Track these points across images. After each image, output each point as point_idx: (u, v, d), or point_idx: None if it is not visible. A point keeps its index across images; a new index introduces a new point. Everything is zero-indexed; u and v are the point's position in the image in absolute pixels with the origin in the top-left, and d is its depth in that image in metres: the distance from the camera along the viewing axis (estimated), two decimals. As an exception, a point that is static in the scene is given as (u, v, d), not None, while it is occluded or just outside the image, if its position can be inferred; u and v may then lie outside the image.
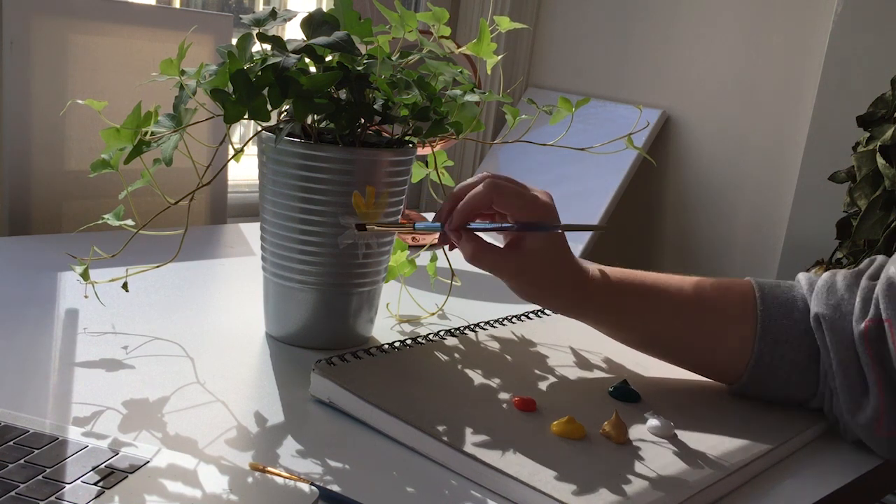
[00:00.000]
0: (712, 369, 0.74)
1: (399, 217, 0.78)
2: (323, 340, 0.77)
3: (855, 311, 0.67)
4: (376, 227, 0.72)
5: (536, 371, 0.74)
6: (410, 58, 0.79)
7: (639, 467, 0.59)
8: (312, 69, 0.72)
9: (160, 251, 0.79)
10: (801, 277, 0.73)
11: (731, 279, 0.74)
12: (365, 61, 0.74)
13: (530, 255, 0.70)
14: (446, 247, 0.72)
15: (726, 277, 0.75)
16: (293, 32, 0.87)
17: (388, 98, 0.74)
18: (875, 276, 0.70)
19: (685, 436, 0.65)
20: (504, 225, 0.70)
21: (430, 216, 1.30)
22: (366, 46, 0.76)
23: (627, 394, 0.70)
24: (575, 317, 0.75)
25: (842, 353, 0.67)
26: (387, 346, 0.73)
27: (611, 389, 0.71)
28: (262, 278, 0.79)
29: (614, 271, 0.74)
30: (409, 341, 0.75)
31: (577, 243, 1.75)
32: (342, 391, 0.65)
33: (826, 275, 0.72)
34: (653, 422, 0.65)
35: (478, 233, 0.70)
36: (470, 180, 0.71)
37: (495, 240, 0.73)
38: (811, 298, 0.70)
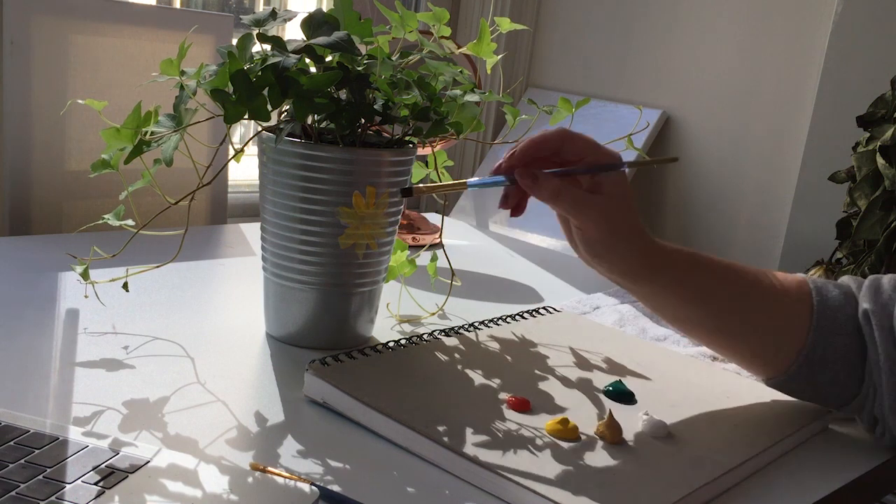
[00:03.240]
0: (762, 359, 0.72)
1: (399, 217, 0.78)
2: (323, 340, 0.77)
3: None
4: (425, 188, 0.67)
5: (534, 371, 0.74)
6: (411, 58, 0.79)
7: (633, 467, 0.59)
8: (312, 69, 0.72)
9: (160, 251, 0.79)
10: (847, 278, 0.73)
11: (787, 273, 0.73)
12: (365, 61, 0.74)
13: (610, 199, 0.67)
14: (505, 213, 0.68)
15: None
16: (293, 32, 0.87)
17: (388, 98, 0.74)
18: None
19: (680, 435, 0.65)
20: (575, 168, 0.67)
21: (430, 216, 1.30)
22: (366, 46, 0.76)
23: (622, 394, 0.71)
24: (637, 284, 0.70)
25: (890, 349, 0.67)
26: (381, 346, 0.73)
27: (605, 389, 0.71)
28: (263, 278, 0.79)
29: (677, 247, 0.71)
30: (403, 341, 0.75)
31: (577, 243, 1.75)
32: (336, 391, 0.65)
33: (871, 277, 0.71)
34: (647, 421, 0.65)
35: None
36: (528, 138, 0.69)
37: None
38: (860, 295, 0.70)
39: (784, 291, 0.71)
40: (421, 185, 0.67)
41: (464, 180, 0.68)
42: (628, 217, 0.68)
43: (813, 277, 0.73)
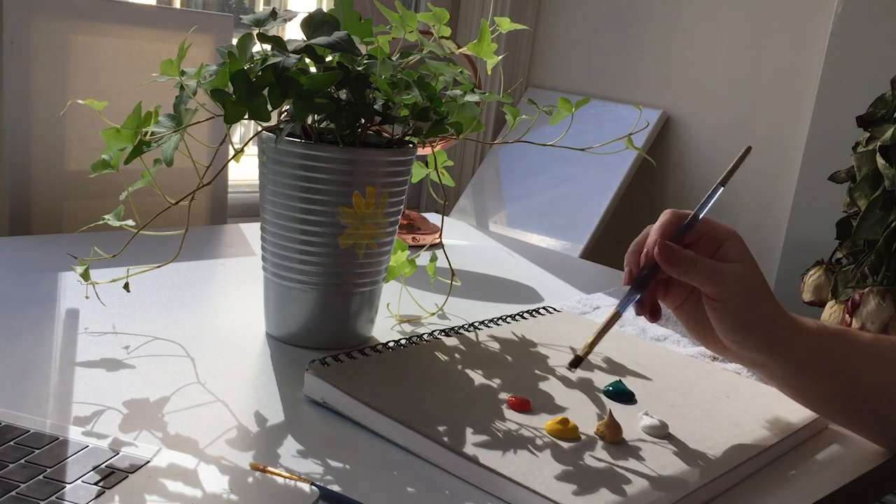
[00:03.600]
0: None
1: (399, 217, 0.78)
2: (323, 340, 0.77)
3: None
4: (589, 348, 0.63)
5: (534, 371, 0.74)
6: (411, 58, 0.79)
7: (633, 467, 0.59)
8: (313, 69, 0.72)
9: (161, 251, 0.79)
10: None
11: None
12: (365, 61, 0.75)
13: (744, 265, 0.65)
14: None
15: None
16: (293, 32, 0.87)
17: (388, 98, 0.74)
18: None
19: (680, 435, 0.65)
20: (692, 217, 0.67)
21: (430, 216, 1.30)
22: (366, 46, 0.76)
23: (622, 394, 0.71)
24: (780, 357, 0.66)
25: None
26: (381, 346, 0.73)
27: (605, 389, 0.71)
28: (263, 278, 0.79)
29: (812, 319, 0.68)
30: (403, 341, 0.75)
31: (578, 243, 1.75)
32: (336, 391, 0.65)
33: None
34: (647, 421, 0.65)
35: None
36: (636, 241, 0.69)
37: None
38: None
39: None
40: (583, 349, 0.63)
41: (615, 311, 0.66)
42: (762, 283, 0.66)
43: None
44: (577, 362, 0.63)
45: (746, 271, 0.65)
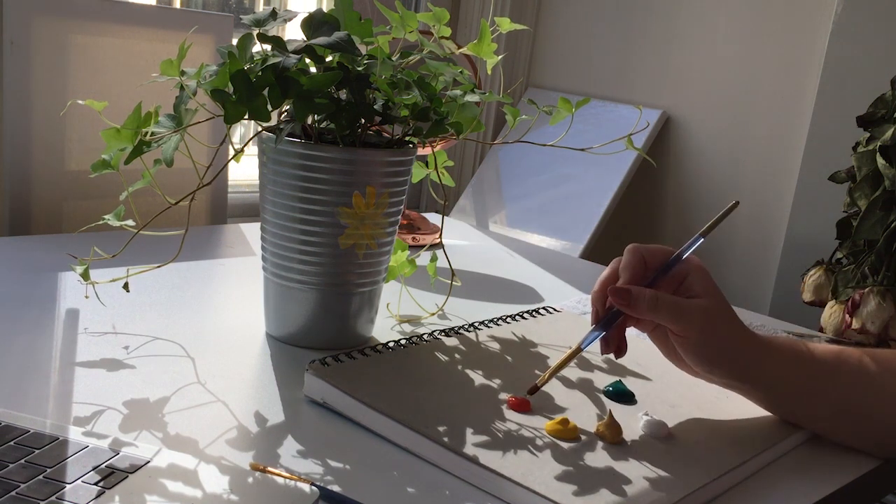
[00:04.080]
0: (880, 445, 0.69)
1: (399, 217, 0.78)
2: (323, 340, 0.77)
3: None
4: (546, 379, 0.68)
5: (534, 371, 0.74)
6: (411, 58, 0.79)
7: (633, 467, 0.59)
8: (313, 69, 0.72)
9: (160, 251, 0.79)
10: None
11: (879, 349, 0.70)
12: (365, 61, 0.75)
13: (709, 300, 0.66)
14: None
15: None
16: (293, 32, 0.87)
17: (388, 98, 0.74)
18: None
19: (680, 436, 0.65)
20: (662, 268, 0.68)
21: (430, 216, 1.30)
22: (366, 47, 0.76)
23: (622, 394, 0.71)
24: (749, 383, 0.68)
25: None
26: (381, 346, 0.73)
27: (605, 389, 0.71)
28: (263, 278, 0.79)
29: (781, 338, 0.70)
30: (403, 341, 0.75)
31: (578, 243, 1.75)
32: (336, 391, 0.65)
33: None
34: (647, 422, 0.65)
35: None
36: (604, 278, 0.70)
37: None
38: None
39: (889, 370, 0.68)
40: (541, 380, 0.68)
41: (577, 346, 0.68)
42: (728, 316, 0.67)
43: None
44: (533, 390, 0.67)
45: (709, 305, 0.66)
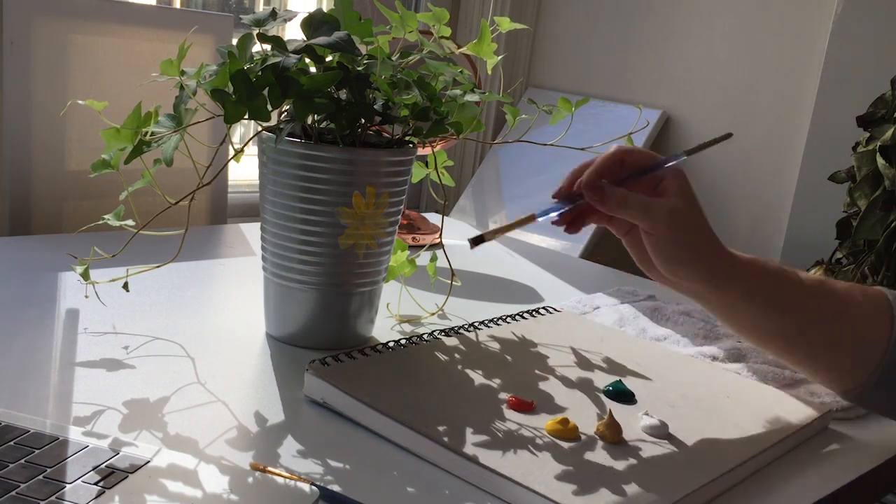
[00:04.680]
0: (840, 370, 0.70)
1: (399, 217, 0.78)
2: (323, 340, 0.77)
3: None
4: (494, 234, 0.68)
5: (534, 371, 0.74)
6: (411, 58, 0.79)
7: (633, 467, 0.59)
8: (313, 69, 0.72)
9: (160, 251, 0.79)
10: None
11: (863, 285, 0.72)
12: (365, 61, 0.75)
13: (676, 199, 0.67)
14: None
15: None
16: (293, 32, 0.87)
17: (388, 98, 0.74)
18: None
19: (680, 435, 0.65)
20: (638, 171, 0.68)
21: (430, 216, 1.30)
22: (366, 46, 0.76)
23: (622, 394, 0.71)
24: (717, 290, 0.68)
25: None
26: (381, 346, 0.73)
27: (605, 389, 0.71)
28: (263, 278, 0.79)
29: (745, 254, 0.70)
30: (403, 341, 0.75)
31: (578, 243, 1.75)
32: (336, 391, 0.65)
33: None
34: (647, 421, 0.65)
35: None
36: (587, 161, 0.70)
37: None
38: None
39: (860, 302, 0.69)
40: (491, 232, 0.67)
41: (531, 213, 0.68)
42: (697, 217, 0.68)
43: (890, 290, 0.70)
44: (478, 240, 0.67)
45: (679, 205, 0.67)
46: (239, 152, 0.74)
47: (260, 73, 0.66)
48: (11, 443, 0.53)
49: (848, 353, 0.69)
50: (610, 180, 0.68)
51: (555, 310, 0.91)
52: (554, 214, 0.69)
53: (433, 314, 0.91)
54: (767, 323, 0.70)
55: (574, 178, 0.70)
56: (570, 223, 0.70)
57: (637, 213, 0.67)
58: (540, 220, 0.68)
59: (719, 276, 0.68)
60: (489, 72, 0.83)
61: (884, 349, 0.67)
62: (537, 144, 0.85)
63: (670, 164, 0.69)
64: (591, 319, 0.93)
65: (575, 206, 0.69)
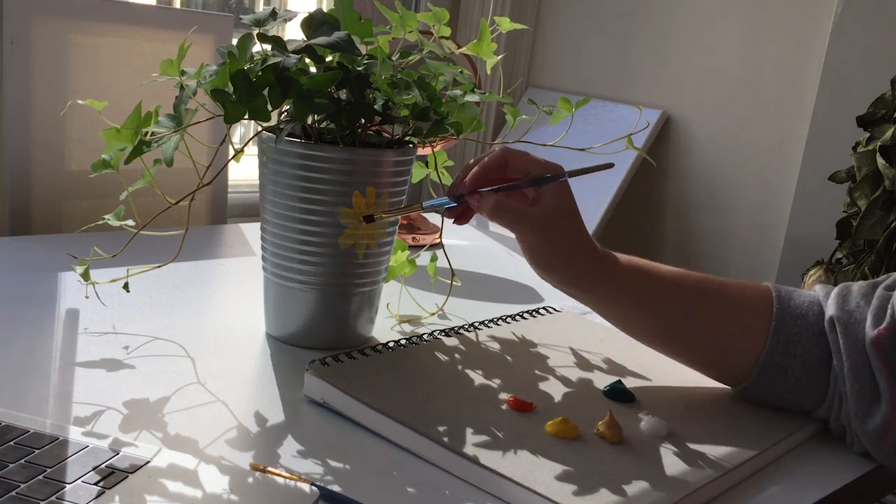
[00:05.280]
0: (721, 367, 0.73)
1: (399, 217, 0.78)
2: (323, 340, 0.77)
3: (868, 317, 0.67)
4: (384, 213, 0.73)
5: (534, 371, 0.74)
6: (411, 58, 0.79)
7: (634, 467, 0.59)
8: (313, 69, 0.72)
9: (161, 251, 0.79)
10: (818, 287, 0.73)
11: (750, 281, 0.74)
12: (365, 61, 0.75)
13: (546, 209, 0.70)
14: (452, 228, 0.73)
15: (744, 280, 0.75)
16: (293, 32, 0.87)
17: (388, 98, 0.74)
18: (892, 287, 0.69)
19: (680, 436, 0.65)
20: (515, 184, 0.71)
21: (430, 216, 1.30)
22: (366, 47, 0.76)
23: (622, 394, 0.71)
24: (585, 292, 0.72)
25: (854, 356, 0.66)
26: (381, 346, 0.73)
27: (605, 389, 0.71)
28: (263, 278, 0.79)
29: (627, 256, 0.73)
30: (403, 341, 0.75)
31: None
32: (336, 391, 0.65)
33: (842, 284, 0.71)
34: (647, 421, 0.65)
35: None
36: (479, 157, 0.73)
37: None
38: (826, 303, 0.69)
39: (740, 299, 0.71)
40: (380, 212, 0.73)
41: (420, 203, 0.73)
42: (567, 226, 0.71)
43: (779, 285, 0.73)
44: (369, 219, 0.72)
45: (548, 213, 0.70)
46: (239, 152, 0.74)
47: (260, 73, 0.66)
48: (11, 443, 0.53)
49: (726, 350, 0.72)
50: (496, 178, 0.71)
51: (554, 310, 0.91)
52: (440, 205, 0.73)
53: (433, 314, 0.91)
54: (639, 322, 0.73)
55: (464, 176, 0.73)
56: (459, 217, 0.74)
57: (508, 221, 0.70)
58: (424, 211, 0.74)
59: (586, 280, 0.71)
60: (489, 72, 0.83)
61: (761, 345, 0.69)
62: (537, 145, 0.85)
63: (544, 183, 0.71)
64: (590, 319, 0.93)
65: (459, 204, 0.73)
